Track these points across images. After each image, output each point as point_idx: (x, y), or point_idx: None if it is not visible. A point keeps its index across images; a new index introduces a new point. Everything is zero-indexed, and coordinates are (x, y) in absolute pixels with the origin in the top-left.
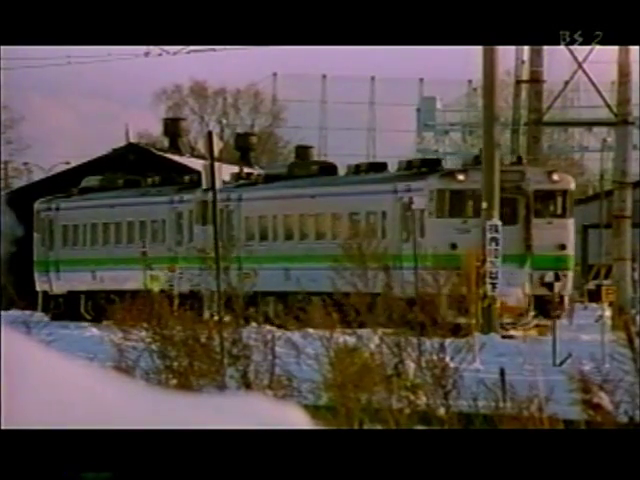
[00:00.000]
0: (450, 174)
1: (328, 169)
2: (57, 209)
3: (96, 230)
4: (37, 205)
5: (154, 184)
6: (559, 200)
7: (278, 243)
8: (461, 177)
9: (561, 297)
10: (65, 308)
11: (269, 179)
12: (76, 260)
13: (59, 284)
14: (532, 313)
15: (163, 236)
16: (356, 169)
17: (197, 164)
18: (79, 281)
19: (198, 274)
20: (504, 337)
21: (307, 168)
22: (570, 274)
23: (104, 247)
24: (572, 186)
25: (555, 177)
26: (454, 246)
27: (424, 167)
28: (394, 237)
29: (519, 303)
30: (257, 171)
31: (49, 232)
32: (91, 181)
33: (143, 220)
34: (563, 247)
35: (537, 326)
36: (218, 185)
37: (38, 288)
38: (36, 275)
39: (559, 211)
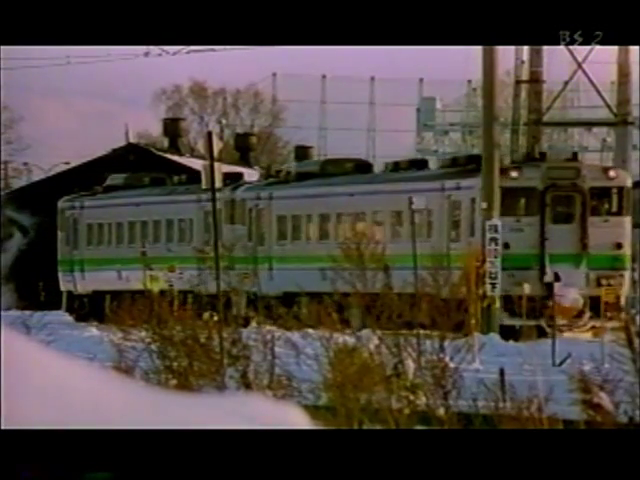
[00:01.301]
0: (503, 171)
1: (363, 167)
2: (82, 207)
3: (122, 229)
4: (61, 203)
5: (180, 182)
6: (615, 198)
7: (313, 242)
8: (514, 174)
9: (617, 298)
10: (90, 308)
11: (301, 177)
12: (101, 259)
13: (84, 284)
14: (588, 314)
15: (190, 235)
16: (394, 167)
17: (197, 164)
18: (104, 281)
19: (227, 274)
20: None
21: (341, 166)
22: (627, 274)
23: (130, 246)
24: (629, 183)
25: (612, 174)
26: (507, 245)
27: (470, 164)
28: (441, 236)
29: (575, 304)
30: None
31: (73, 231)
32: (116, 179)
33: (170, 219)
34: (619, 246)
35: (592, 328)
36: (218, 185)
37: (62, 288)
38: (60, 275)
39: (615, 209)
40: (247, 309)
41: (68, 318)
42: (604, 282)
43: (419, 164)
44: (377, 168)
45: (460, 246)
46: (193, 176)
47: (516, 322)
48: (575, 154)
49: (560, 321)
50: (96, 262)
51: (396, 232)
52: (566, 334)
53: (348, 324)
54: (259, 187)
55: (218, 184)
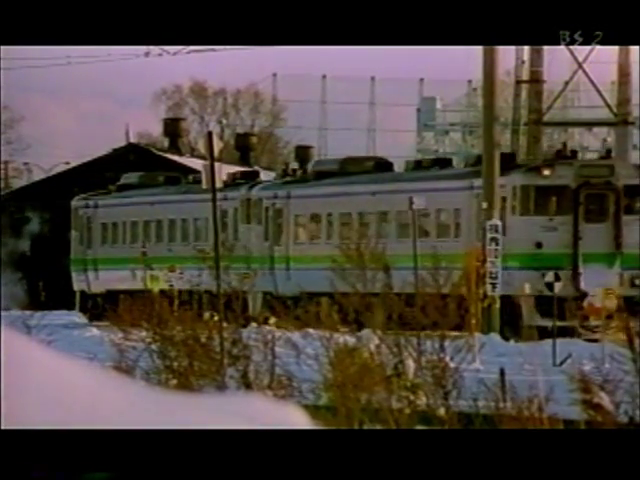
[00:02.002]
0: (535, 169)
1: (384, 165)
2: (95, 206)
3: (136, 228)
4: (75, 202)
5: (196, 181)
6: None
7: (334, 242)
8: (547, 172)
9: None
10: (104, 308)
11: (320, 176)
12: (115, 259)
13: (97, 283)
14: (621, 315)
15: (207, 235)
16: (416, 165)
17: (197, 164)
18: (118, 280)
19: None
20: (588, 340)
21: (361, 164)
22: None
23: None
24: None
25: None
26: (539, 245)
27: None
28: (470, 235)
29: (607, 305)
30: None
31: (87, 230)
32: (130, 178)
33: (185, 218)
34: None
35: (626, 329)
36: (218, 185)
37: (75, 287)
38: (73, 274)
39: None
40: (262, 309)
41: (68, 318)
42: (638, 282)
43: (442, 162)
44: (397, 167)
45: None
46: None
47: (548, 323)
48: (608, 151)
49: (592, 322)
50: (110, 261)
51: (423, 232)
52: (598, 335)
53: (369, 325)
54: (276, 186)
55: (218, 184)
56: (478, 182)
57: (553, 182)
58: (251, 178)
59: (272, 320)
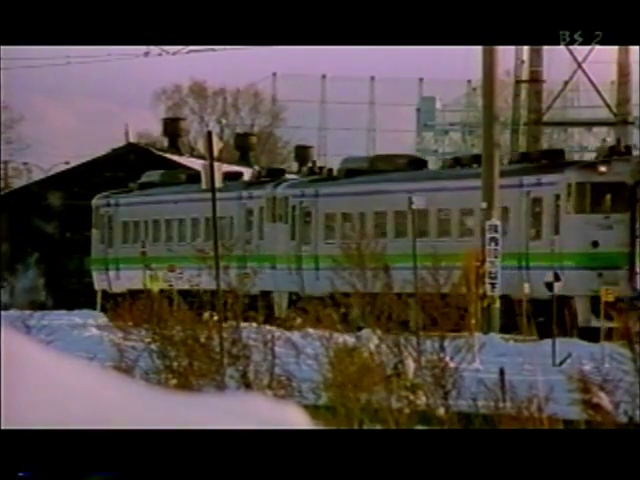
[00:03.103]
0: (591, 166)
1: (417, 163)
2: (117, 205)
3: (158, 227)
4: (95, 201)
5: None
6: None
7: (366, 241)
8: (603, 169)
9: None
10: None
11: (349, 174)
12: (137, 258)
13: (119, 283)
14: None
15: (231, 234)
16: (454, 162)
17: (197, 164)
18: (140, 280)
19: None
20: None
21: (393, 162)
22: None
23: (167, 244)
24: None
25: None
26: (595, 244)
27: (544, 159)
28: (519, 234)
29: None
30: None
31: (108, 228)
32: (152, 176)
33: (209, 217)
34: None
35: None
36: (218, 185)
37: (96, 287)
38: (94, 273)
39: None
40: (288, 310)
41: (68, 318)
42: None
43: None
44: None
45: (542, 244)
46: (233, 173)
47: (605, 324)
48: None
49: None
50: (132, 261)
51: (467, 230)
52: None
53: (407, 325)
54: (303, 184)
55: (218, 184)
56: (528, 180)
57: (609, 179)
58: (276, 176)
59: (298, 321)
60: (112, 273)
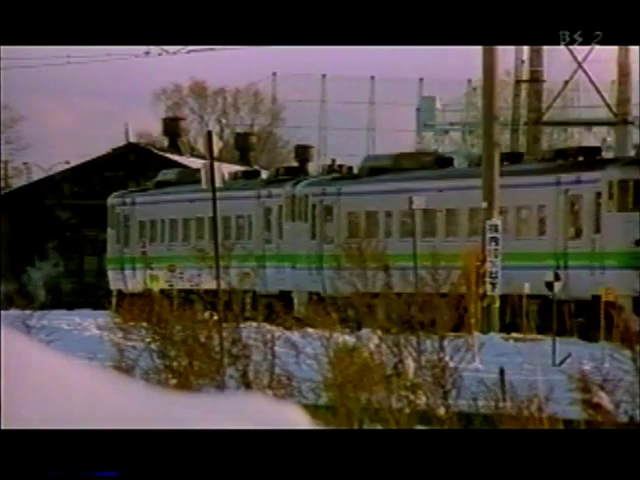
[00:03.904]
0: (634, 163)
1: (444, 161)
2: (133, 204)
3: (175, 226)
4: (111, 199)
5: (236, 177)
6: None
7: (393, 240)
8: None
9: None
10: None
11: (372, 172)
12: (154, 257)
13: (135, 282)
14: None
15: (249, 233)
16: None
17: (197, 164)
18: (163, 279)
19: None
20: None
21: (418, 160)
22: None
23: (184, 244)
24: None
25: None
26: (639, 243)
27: (581, 155)
28: (556, 233)
29: None
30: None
31: (124, 228)
32: (168, 174)
33: (227, 216)
34: None
35: None
36: (218, 185)
37: (112, 287)
38: (110, 273)
39: None
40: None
41: (68, 318)
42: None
43: (514, 158)
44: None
45: (582, 243)
46: (251, 171)
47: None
48: None
49: None
50: (148, 260)
51: (503, 229)
52: None
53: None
54: (324, 182)
55: (218, 183)
56: (567, 177)
57: None
58: (295, 174)
59: (319, 321)
60: (128, 272)
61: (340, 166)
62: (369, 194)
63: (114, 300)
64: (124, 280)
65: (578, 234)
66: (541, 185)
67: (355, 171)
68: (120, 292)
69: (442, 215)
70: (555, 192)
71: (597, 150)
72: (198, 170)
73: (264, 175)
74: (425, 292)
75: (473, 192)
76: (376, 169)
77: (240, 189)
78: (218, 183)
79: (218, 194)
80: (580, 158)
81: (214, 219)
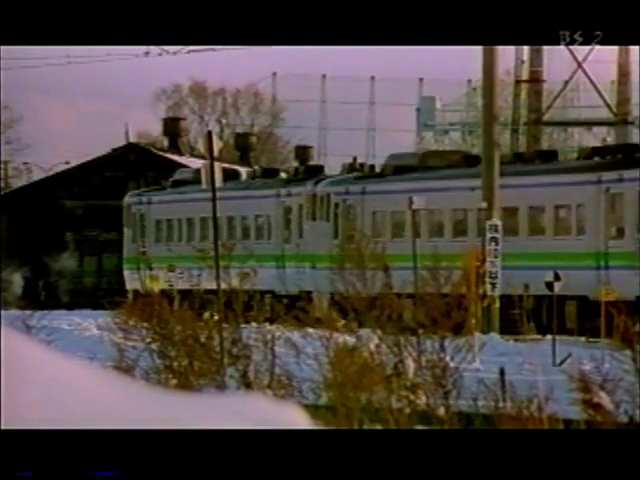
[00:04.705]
0: None
1: (471, 159)
2: (149, 203)
3: (192, 225)
4: (127, 198)
5: (255, 176)
6: None
7: (421, 240)
8: None
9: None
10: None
11: (398, 170)
12: (171, 257)
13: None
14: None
15: (269, 233)
16: (516, 158)
17: (197, 164)
18: (174, 279)
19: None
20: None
21: (445, 158)
22: None
23: (201, 244)
24: None
25: None
26: None
27: (619, 153)
28: (597, 233)
29: None
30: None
31: (140, 227)
32: (185, 173)
33: (245, 215)
34: None
35: None
36: (218, 185)
37: (128, 286)
38: (126, 273)
39: None
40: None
41: (68, 318)
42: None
43: (547, 155)
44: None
45: (624, 244)
46: (270, 170)
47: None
48: None
49: None
50: (165, 260)
51: (539, 229)
52: None
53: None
54: (347, 181)
55: (218, 184)
56: (608, 175)
57: None
58: (315, 173)
59: (341, 323)
60: (145, 272)
61: (362, 164)
62: (395, 193)
63: (130, 300)
64: (141, 280)
65: (620, 234)
66: (580, 184)
67: (377, 170)
68: (136, 292)
69: (473, 215)
70: (595, 190)
71: (636, 148)
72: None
73: (283, 174)
74: (458, 293)
75: (507, 191)
76: (401, 168)
77: (259, 188)
78: (218, 183)
79: (237, 193)
80: (619, 156)
81: (214, 219)
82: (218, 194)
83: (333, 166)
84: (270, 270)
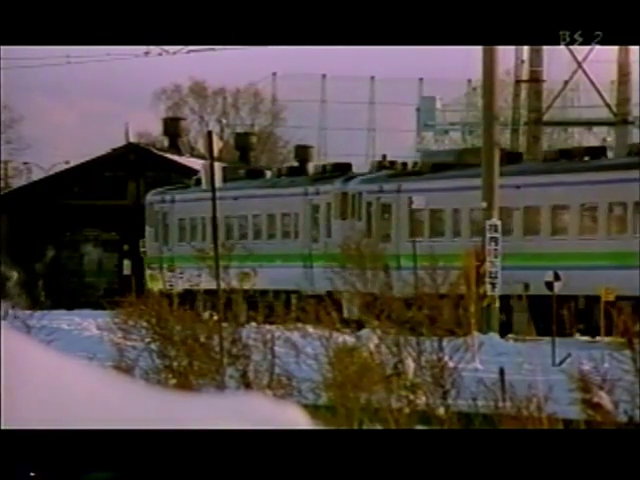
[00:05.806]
0: None
1: (513, 156)
2: (172, 201)
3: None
4: (150, 197)
5: (280, 174)
6: None
7: (462, 239)
8: None
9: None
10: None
11: (435, 168)
12: (194, 256)
13: (175, 282)
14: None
15: (296, 232)
16: (561, 155)
17: (197, 164)
18: (199, 279)
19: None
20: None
21: None
22: None
23: (227, 243)
24: None
25: None
26: None
27: None
28: (637, 233)
29: None
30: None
31: (163, 226)
32: None
33: (272, 214)
34: None
35: None
36: (218, 184)
37: (149, 286)
38: (148, 272)
39: None
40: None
41: (68, 318)
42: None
43: (595, 152)
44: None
45: None
46: (297, 168)
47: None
48: None
49: None
50: (189, 259)
51: (589, 229)
52: None
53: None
54: (380, 179)
55: (218, 183)
56: None
57: None
58: (343, 170)
59: (374, 323)
60: (167, 272)
61: (392, 162)
62: (435, 191)
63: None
64: (163, 280)
65: None
66: (623, 181)
67: (410, 167)
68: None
69: (519, 213)
70: None
71: None
72: (241, 166)
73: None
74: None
75: (553, 189)
76: (439, 165)
77: (287, 186)
78: (218, 183)
79: (264, 192)
80: None
81: (214, 219)
82: (243, 192)
83: (358, 164)
84: (297, 269)
